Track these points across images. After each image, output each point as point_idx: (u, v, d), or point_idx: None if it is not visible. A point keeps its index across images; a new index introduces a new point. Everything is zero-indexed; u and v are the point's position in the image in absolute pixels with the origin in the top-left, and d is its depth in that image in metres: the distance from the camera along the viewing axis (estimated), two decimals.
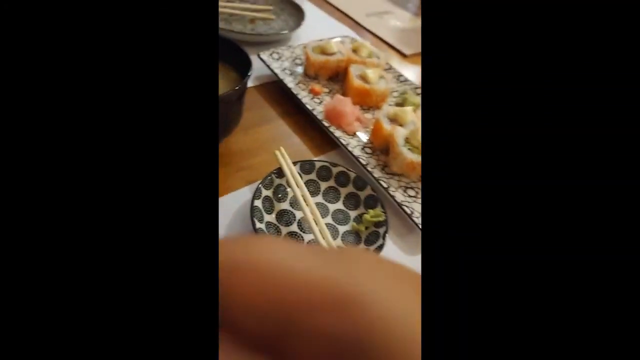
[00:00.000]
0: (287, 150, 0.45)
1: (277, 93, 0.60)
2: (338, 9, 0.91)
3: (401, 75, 0.66)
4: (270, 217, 0.41)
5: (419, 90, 0.63)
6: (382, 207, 0.42)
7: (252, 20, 0.74)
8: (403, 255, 0.42)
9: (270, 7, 0.78)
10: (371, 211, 0.42)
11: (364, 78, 0.58)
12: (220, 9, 0.73)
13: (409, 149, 0.47)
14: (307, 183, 0.45)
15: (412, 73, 0.73)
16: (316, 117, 0.53)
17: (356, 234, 0.42)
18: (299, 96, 0.56)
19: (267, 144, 0.52)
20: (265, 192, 0.41)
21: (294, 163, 0.44)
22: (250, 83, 0.61)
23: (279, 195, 0.43)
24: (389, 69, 0.67)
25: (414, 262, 0.42)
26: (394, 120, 0.51)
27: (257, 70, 0.63)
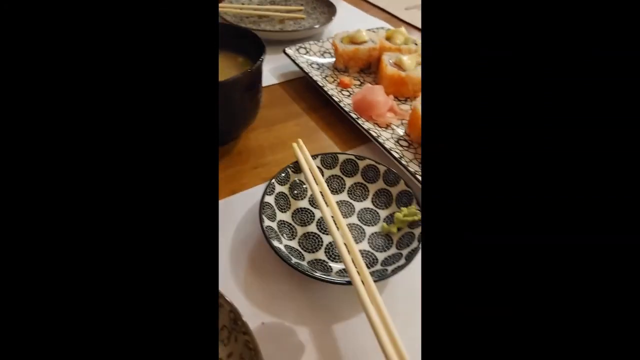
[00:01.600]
0: (312, 146, 0.40)
1: (304, 89, 0.56)
2: (374, 5, 0.86)
3: None
4: (285, 216, 0.35)
5: None
6: (418, 204, 0.35)
7: (282, 20, 0.72)
8: None
9: (301, 7, 0.75)
10: (404, 209, 0.35)
11: (398, 65, 0.51)
12: (250, 11, 0.71)
13: None
14: (329, 179, 0.39)
15: None
16: (343, 109, 0.48)
17: (387, 236, 0.35)
18: (325, 88, 0.51)
19: (290, 140, 0.47)
20: (280, 188, 0.36)
21: (314, 157, 0.39)
22: (275, 80, 0.57)
23: (296, 192, 0.37)
24: None
25: None
26: None
27: (284, 67, 0.59)
